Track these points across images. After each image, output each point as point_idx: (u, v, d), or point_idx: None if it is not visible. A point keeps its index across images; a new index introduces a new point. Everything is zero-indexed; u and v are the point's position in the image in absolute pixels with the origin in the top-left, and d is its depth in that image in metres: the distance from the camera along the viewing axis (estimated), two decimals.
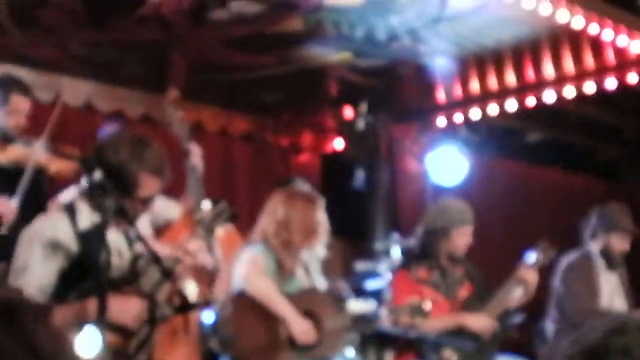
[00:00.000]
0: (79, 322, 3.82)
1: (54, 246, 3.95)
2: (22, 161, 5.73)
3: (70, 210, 4.07)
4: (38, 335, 1.22)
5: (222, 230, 4.63)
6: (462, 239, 6.36)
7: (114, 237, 4.08)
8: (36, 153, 5.71)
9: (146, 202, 4.11)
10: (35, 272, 3.94)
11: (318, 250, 6.04)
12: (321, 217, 5.86)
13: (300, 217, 5.78)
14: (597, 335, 1.59)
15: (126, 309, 3.90)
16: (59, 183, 5.99)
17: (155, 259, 3.96)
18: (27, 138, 5.86)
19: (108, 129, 6.26)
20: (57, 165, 5.82)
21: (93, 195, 3.99)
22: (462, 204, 6.47)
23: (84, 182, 4.07)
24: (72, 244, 3.97)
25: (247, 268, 5.63)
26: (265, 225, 5.81)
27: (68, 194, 5.52)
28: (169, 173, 4.15)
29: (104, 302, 3.71)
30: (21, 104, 5.90)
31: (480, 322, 6.16)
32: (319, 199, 5.89)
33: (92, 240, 3.91)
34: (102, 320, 3.71)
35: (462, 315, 6.19)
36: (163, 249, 4.31)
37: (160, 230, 5.71)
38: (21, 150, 5.77)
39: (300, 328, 5.55)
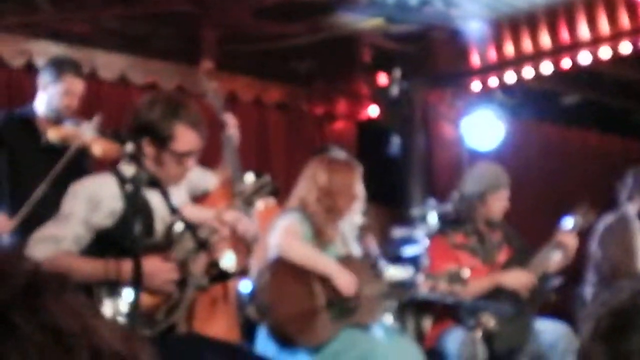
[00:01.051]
0: (112, 280, 3.86)
1: (98, 203, 4.01)
2: (69, 140, 5.77)
3: (118, 174, 4.12)
4: (62, 316, 1.18)
5: (262, 204, 4.64)
6: (498, 203, 6.33)
7: (159, 204, 4.11)
8: (84, 134, 5.75)
9: (185, 159, 4.11)
10: (75, 222, 3.99)
11: (355, 217, 6.03)
12: (360, 185, 5.85)
13: (343, 183, 5.76)
14: (625, 295, 1.57)
15: (158, 272, 3.93)
16: (106, 166, 6.04)
17: (191, 228, 3.98)
18: (78, 120, 5.91)
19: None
20: (103, 147, 5.84)
21: (130, 164, 4.02)
22: (497, 168, 6.45)
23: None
24: (118, 203, 4.02)
25: (283, 235, 5.63)
26: (305, 192, 5.79)
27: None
28: (206, 130, 4.17)
29: (139, 264, 3.74)
30: (75, 84, 5.94)
31: (517, 279, 6.13)
32: (358, 166, 5.88)
33: (134, 203, 3.94)
34: (137, 283, 3.74)
35: (499, 275, 6.17)
36: (204, 213, 4.32)
37: (198, 200, 5.73)
38: (71, 130, 5.81)
39: (345, 280, 5.52)
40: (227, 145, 6.18)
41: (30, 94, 6.19)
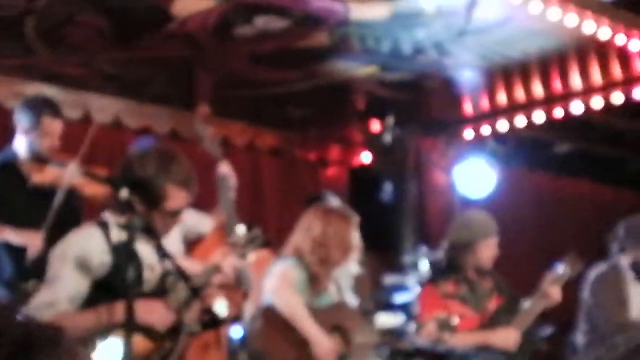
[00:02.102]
0: (107, 325, 3.86)
1: (85, 261, 3.99)
2: (56, 183, 5.75)
3: (103, 225, 4.10)
4: None
5: (254, 256, 4.66)
6: (487, 251, 6.34)
7: (147, 252, 4.11)
8: (69, 175, 5.73)
9: (175, 215, 4.13)
10: (66, 283, 3.98)
11: (350, 266, 6.04)
12: (355, 235, 5.85)
13: (337, 234, 5.76)
14: (619, 353, 1.58)
15: (152, 309, 3.93)
16: (93, 206, 6.03)
17: (184, 276, 3.98)
18: (61, 159, 5.87)
19: (139, 144, 6.33)
20: (91, 189, 5.83)
21: (120, 212, 4.02)
22: (485, 215, 6.45)
23: (115, 199, 4.10)
24: (105, 258, 4.00)
25: (277, 282, 5.63)
26: (300, 242, 5.79)
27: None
28: (196, 186, 4.17)
29: (131, 303, 3.74)
30: (53, 126, 5.87)
31: (505, 338, 6.12)
32: (354, 216, 5.88)
33: (123, 254, 3.94)
34: (130, 322, 3.74)
35: (487, 334, 6.15)
36: (194, 266, 4.33)
37: (192, 244, 5.74)
38: (56, 172, 5.78)
39: (324, 347, 5.53)
40: (223, 191, 6.20)
41: None
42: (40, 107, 5.89)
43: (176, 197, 4.05)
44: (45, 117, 5.84)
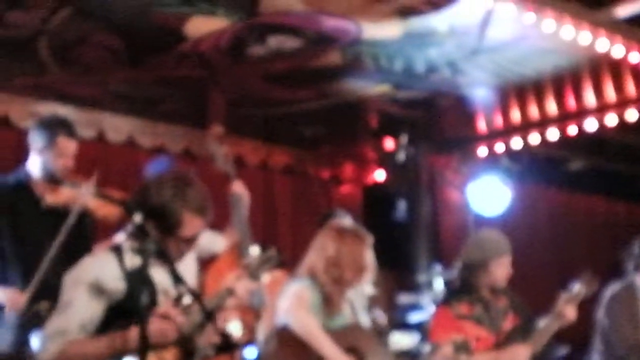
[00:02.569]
0: (120, 351, 3.85)
1: (99, 287, 3.97)
2: (70, 203, 5.74)
3: (117, 250, 4.09)
4: None
5: (268, 277, 4.64)
6: (501, 270, 6.30)
7: (161, 277, 4.09)
8: (83, 196, 5.72)
9: (190, 242, 4.12)
10: (79, 310, 3.96)
11: (365, 287, 6.01)
12: (370, 255, 5.81)
13: (351, 254, 5.72)
14: None
15: (164, 328, 3.91)
16: (106, 227, 6.03)
17: (198, 299, 3.97)
18: (75, 179, 5.87)
19: (155, 165, 6.33)
20: (104, 211, 5.82)
21: (135, 237, 4.01)
22: (498, 234, 6.41)
23: (129, 224, 4.09)
24: (119, 284, 3.98)
25: (291, 302, 5.60)
26: (314, 261, 5.77)
27: (119, 237, 5.57)
28: (211, 212, 4.16)
29: (145, 330, 3.73)
30: (68, 146, 5.85)
31: (515, 356, 6.09)
32: (368, 236, 5.84)
33: (137, 280, 3.92)
34: (144, 348, 3.72)
35: (497, 354, 6.10)
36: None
37: (206, 263, 5.73)
38: (69, 192, 5.78)
39: None
40: (236, 210, 6.19)
41: None
42: (56, 127, 5.88)
43: (192, 224, 4.04)
44: (61, 137, 5.83)
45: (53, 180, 5.84)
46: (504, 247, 6.32)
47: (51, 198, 5.81)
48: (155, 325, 3.87)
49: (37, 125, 5.97)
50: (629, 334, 6.80)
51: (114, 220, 5.87)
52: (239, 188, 6.31)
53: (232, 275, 4.41)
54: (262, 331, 5.50)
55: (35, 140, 5.88)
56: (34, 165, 5.89)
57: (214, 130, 6.62)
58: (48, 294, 4.58)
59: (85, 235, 5.86)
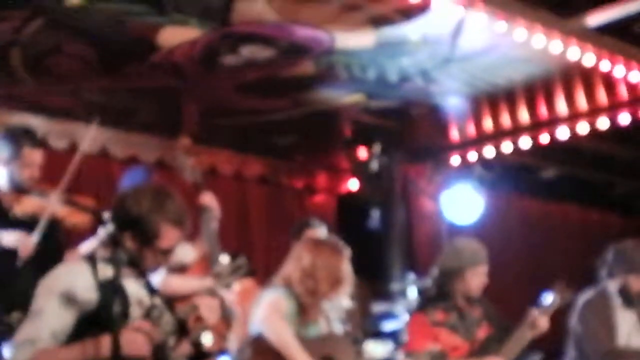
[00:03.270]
0: (92, 359, 3.84)
1: (71, 297, 3.95)
2: (38, 213, 5.73)
3: (91, 260, 4.08)
4: None
5: (239, 285, 4.64)
6: (476, 279, 6.32)
7: (134, 287, 4.08)
8: (52, 205, 5.71)
9: (167, 253, 4.11)
10: (49, 319, 3.94)
11: (342, 300, 6.01)
12: (347, 268, 5.80)
13: (327, 266, 5.71)
14: None
15: (136, 339, 3.90)
16: (75, 235, 6.02)
17: (170, 309, 3.96)
18: (42, 189, 5.86)
19: (132, 175, 6.32)
20: (74, 219, 5.82)
21: (107, 246, 4.00)
22: (475, 243, 6.43)
23: (101, 233, 4.08)
24: (92, 295, 3.97)
25: (266, 311, 5.60)
26: (290, 272, 5.76)
27: (88, 245, 5.54)
28: (189, 224, 4.16)
29: (117, 338, 3.72)
30: (33, 156, 5.86)
31: None
32: (345, 249, 5.84)
33: (109, 291, 3.91)
34: (116, 356, 3.72)
35: None
36: (190, 283, 4.30)
37: (175, 274, 5.71)
38: (37, 202, 5.77)
39: None
40: (205, 221, 6.18)
41: None
42: (21, 138, 5.88)
43: (169, 235, 4.03)
44: (26, 148, 5.83)
45: (20, 190, 5.83)
46: (481, 256, 6.33)
47: (19, 208, 5.80)
48: (127, 337, 3.86)
49: (2, 136, 5.96)
50: (601, 341, 6.83)
51: (85, 227, 5.86)
52: (208, 199, 6.30)
53: (196, 296, 4.39)
54: (233, 340, 5.48)
55: (1, 151, 5.86)
56: (1, 176, 5.88)
57: (181, 142, 6.62)
58: (20, 305, 4.56)
59: (56, 243, 5.84)
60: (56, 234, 5.86)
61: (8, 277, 5.58)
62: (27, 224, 5.67)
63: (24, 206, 5.78)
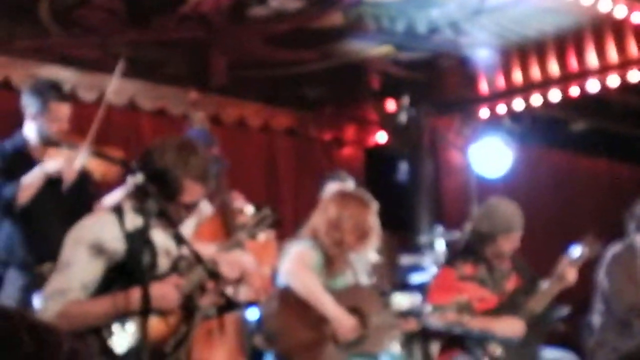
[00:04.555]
0: (123, 312, 3.86)
1: (100, 247, 3.98)
2: (70, 165, 5.76)
3: (118, 211, 4.10)
4: None
5: (264, 236, 4.65)
6: (508, 244, 6.28)
7: (161, 238, 4.10)
8: (81, 157, 5.74)
9: (190, 208, 4.12)
10: (79, 270, 3.97)
11: (369, 254, 6.02)
12: (374, 221, 5.80)
13: (352, 218, 5.72)
14: (635, 343, 1.58)
15: (165, 293, 3.93)
16: (105, 186, 6.04)
17: (199, 260, 3.98)
18: (71, 141, 5.88)
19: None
20: (102, 170, 5.85)
21: (136, 197, 4.01)
22: (511, 208, 6.33)
23: (129, 183, 4.10)
24: (119, 245, 4.00)
25: (293, 263, 5.63)
26: (317, 223, 5.78)
27: (114, 196, 5.57)
28: (213, 179, 4.17)
29: (147, 290, 3.74)
30: (61, 110, 5.88)
31: (509, 328, 6.10)
32: (373, 203, 5.83)
33: (137, 240, 3.93)
34: (146, 310, 3.74)
35: (491, 321, 6.11)
36: (206, 249, 4.33)
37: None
38: (68, 154, 5.79)
39: (345, 325, 5.53)
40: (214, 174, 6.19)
41: None
42: (47, 92, 5.89)
43: (192, 191, 4.04)
44: (52, 102, 5.86)
45: (49, 143, 5.86)
46: (516, 223, 6.28)
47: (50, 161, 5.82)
48: (157, 290, 3.88)
49: (29, 91, 5.99)
50: (628, 294, 6.82)
51: (113, 179, 5.89)
52: (214, 153, 6.29)
53: (219, 237, 4.41)
54: (243, 294, 5.45)
55: (28, 106, 5.91)
56: (30, 131, 5.92)
57: (190, 96, 6.64)
58: (51, 256, 4.59)
59: (86, 195, 5.88)
60: (86, 185, 5.89)
61: (44, 225, 5.63)
62: (58, 179, 5.70)
63: (54, 159, 5.80)
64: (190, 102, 6.56)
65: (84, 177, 5.82)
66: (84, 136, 5.93)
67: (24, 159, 5.88)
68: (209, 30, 7.62)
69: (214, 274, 4.02)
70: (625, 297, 6.83)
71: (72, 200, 5.66)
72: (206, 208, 5.74)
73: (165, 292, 3.93)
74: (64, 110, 5.90)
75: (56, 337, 1.29)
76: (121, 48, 7.85)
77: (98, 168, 5.86)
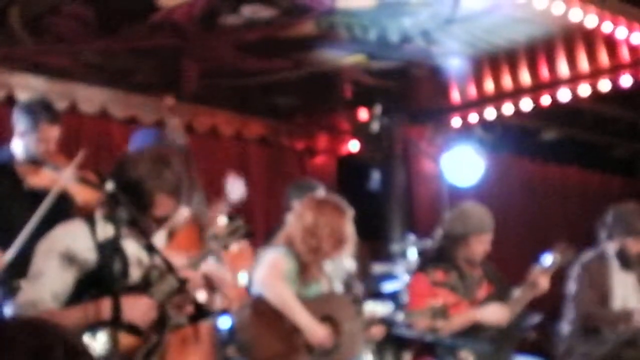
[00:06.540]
0: (93, 322, 3.83)
1: (71, 257, 3.94)
2: (50, 186, 5.73)
3: (89, 220, 4.07)
4: None
5: (236, 247, 4.63)
6: (480, 246, 6.31)
7: (133, 247, 4.07)
8: (63, 180, 5.72)
9: (160, 221, 4.09)
10: (50, 279, 3.93)
11: (344, 261, 6.01)
12: (350, 228, 5.79)
13: (329, 224, 5.71)
14: (607, 349, 1.59)
15: (136, 306, 3.89)
16: (85, 212, 6.01)
17: (170, 269, 3.95)
18: (56, 162, 5.88)
19: (139, 137, 6.29)
20: (84, 196, 5.82)
21: (108, 205, 3.99)
22: (482, 210, 6.39)
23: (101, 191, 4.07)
24: (91, 254, 3.96)
25: (266, 272, 5.62)
26: (292, 230, 5.77)
27: None
28: (186, 192, 4.13)
29: (118, 301, 3.72)
30: (50, 132, 5.90)
31: (494, 313, 6.14)
32: (349, 210, 5.82)
33: (108, 250, 3.90)
34: (117, 319, 3.71)
35: (475, 311, 6.16)
36: (177, 260, 4.31)
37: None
38: (52, 175, 5.79)
39: (318, 335, 5.52)
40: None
41: (11, 127, 6.10)
42: (39, 113, 5.91)
43: (164, 205, 4.00)
44: (43, 123, 5.87)
45: (35, 162, 5.87)
46: (487, 224, 6.32)
47: (33, 180, 5.83)
48: (129, 302, 3.84)
49: (21, 108, 6.02)
50: (586, 303, 6.87)
51: (95, 205, 5.85)
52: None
53: (192, 246, 4.40)
54: (217, 303, 5.44)
55: (19, 123, 5.92)
56: (17, 147, 5.93)
57: (165, 102, 6.63)
58: (26, 272, 4.56)
59: (64, 217, 5.84)
60: (67, 208, 5.86)
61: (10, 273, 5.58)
62: (38, 196, 5.67)
63: (38, 179, 5.81)
64: (166, 107, 6.53)
65: (65, 199, 5.79)
66: (69, 159, 5.92)
67: (7, 174, 5.90)
68: (181, 39, 7.59)
69: (185, 283, 3.99)
70: (582, 304, 6.89)
71: (49, 221, 5.62)
72: (182, 214, 5.73)
73: (137, 304, 3.90)
74: (53, 132, 5.92)
75: (88, 354, 1.31)
76: (92, 56, 7.83)
77: (81, 193, 5.84)
